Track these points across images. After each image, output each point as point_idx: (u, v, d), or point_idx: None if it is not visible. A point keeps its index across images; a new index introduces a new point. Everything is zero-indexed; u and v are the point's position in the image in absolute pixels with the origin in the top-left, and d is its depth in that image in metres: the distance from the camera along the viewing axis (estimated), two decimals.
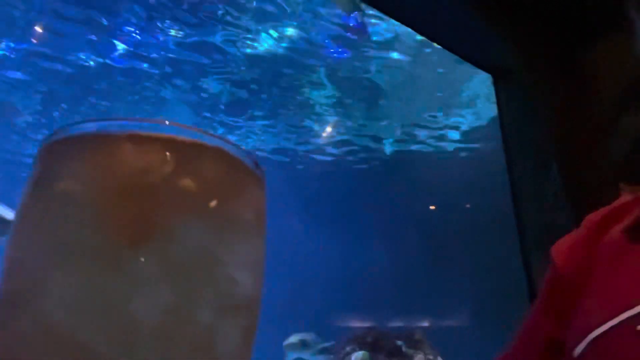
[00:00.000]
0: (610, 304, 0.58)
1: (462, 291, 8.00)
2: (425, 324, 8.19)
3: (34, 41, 5.58)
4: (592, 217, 0.69)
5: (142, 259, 0.30)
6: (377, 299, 8.34)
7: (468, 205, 8.18)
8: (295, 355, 5.84)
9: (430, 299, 8.24)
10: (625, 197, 0.70)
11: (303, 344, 5.65)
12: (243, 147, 0.35)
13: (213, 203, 0.33)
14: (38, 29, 5.38)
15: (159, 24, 5.32)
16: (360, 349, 4.11)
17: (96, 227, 0.30)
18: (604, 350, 0.56)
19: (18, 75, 6.06)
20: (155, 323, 0.30)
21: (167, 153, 0.32)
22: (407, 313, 8.16)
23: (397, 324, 7.58)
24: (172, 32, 5.47)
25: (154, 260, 0.30)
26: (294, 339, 5.67)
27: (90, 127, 0.33)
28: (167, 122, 0.33)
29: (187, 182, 0.32)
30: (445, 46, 2.07)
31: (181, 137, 0.33)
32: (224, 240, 0.33)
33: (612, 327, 0.56)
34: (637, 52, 0.89)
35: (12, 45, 5.59)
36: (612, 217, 0.66)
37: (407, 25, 2.02)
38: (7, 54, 5.69)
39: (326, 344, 5.88)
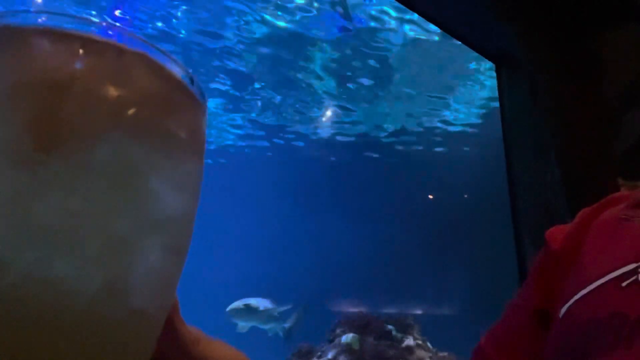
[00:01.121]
0: (598, 268, 0.59)
1: (456, 281, 8.05)
2: (418, 311, 8.26)
3: None
4: (587, 209, 0.71)
5: (51, 162, 0.28)
6: (371, 285, 8.39)
7: (466, 196, 8.19)
8: (242, 323, 5.39)
9: (424, 288, 8.30)
10: (622, 193, 0.73)
11: (248, 310, 5.22)
12: (177, 59, 0.33)
13: (132, 111, 0.30)
14: None
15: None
16: (350, 332, 4.15)
17: (4, 124, 0.28)
18: (587, 306, 0.57)
19: None
20: (61, 227, 0.28)
21: (81, 51, 0.30)
22: (401, 300, 8.22)
23: (390, 310, 7.64)
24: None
25: (64, 163, 0.28)
26: (238, 303, 5.21)
27: (1, 19, 0.30)
28: (89, 19, 0.31)
29: (103, 85, 0.30)
30: (449, 32, 2.05)
31: (100, 36, 0.31)
32: (147, 152, 0.31)
33: (597, 286, 0.57)
34: None
35: None
36: (605, 206, 0.69)
37: (411, 8, 2.00)
38: None
39: (278, 309, 5.40)
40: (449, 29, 2.06)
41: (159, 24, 5.64)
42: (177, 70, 0.33)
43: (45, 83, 0.29)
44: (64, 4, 5.32)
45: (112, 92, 0.30)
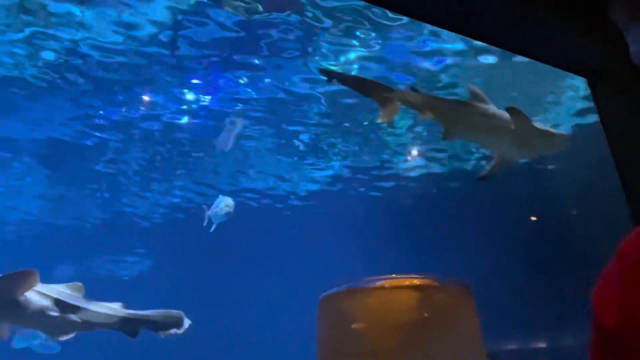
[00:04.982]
0: None
1: (576, 306, 7.50)
2: (541, 344, 7.75)
3: None
4: (628, 247, 0.58)
5: None
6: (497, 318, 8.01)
7: (574, 212, 7.75)
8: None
9: (543, 317, 7.81)
10: None
11: None
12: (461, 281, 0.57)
13: (446, 326, 0.51)
14: None
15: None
16: None
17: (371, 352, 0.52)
18: None
19: None
20: None
21: (414, 295, 0.51)
22: (521, 332, 7.77)
23: (512, 346, 7.23)
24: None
25: None
26: None
27: (348, 284, 0.55)
28: (396, 276, 0.55)
29: (432, 315, 0.51)
30: (536, 58, 2.06)
31: (418, 281, 0.53)
32: (451, 352, 0.52)
33: None
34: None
35: None
36: None
37: (495, 44, 2.05)
38: None
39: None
40: (535, 55, 2.07)
41: None
42: (461, 289, 0.56)
43: (399, 322, 0.50)
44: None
45: (437, 318, 0.53)
